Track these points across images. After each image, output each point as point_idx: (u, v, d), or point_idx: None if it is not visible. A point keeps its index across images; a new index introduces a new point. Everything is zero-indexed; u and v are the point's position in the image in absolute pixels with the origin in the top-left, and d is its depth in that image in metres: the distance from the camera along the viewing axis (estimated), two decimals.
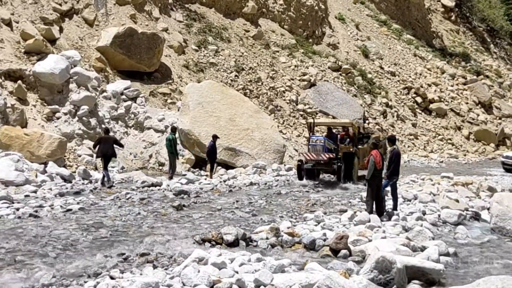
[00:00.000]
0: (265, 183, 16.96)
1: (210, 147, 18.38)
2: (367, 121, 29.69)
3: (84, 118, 19.81)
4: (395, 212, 11.77)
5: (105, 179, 15.47)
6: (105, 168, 15.86)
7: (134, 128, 21.46)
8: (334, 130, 19.97)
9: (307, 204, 13.46)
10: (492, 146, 33.97)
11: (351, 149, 18.23)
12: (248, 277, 6.87)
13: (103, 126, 18.75)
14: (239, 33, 30.44)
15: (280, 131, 24.20)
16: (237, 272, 7.10)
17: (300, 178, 17.75)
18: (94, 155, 17.59)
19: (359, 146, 19.05)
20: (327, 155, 17.27)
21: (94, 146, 16.60)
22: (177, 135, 19.30)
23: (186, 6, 29.71)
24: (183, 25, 28.33)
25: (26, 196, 13.19)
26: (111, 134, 18.19)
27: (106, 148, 15.97)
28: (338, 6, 39.32)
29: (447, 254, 8.80)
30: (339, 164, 17.31)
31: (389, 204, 12.51)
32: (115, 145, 16.48)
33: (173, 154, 17.78)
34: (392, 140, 12.31)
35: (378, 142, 12.44)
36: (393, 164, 11.72)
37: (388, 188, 12.19)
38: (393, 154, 11.77)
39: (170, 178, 17.31)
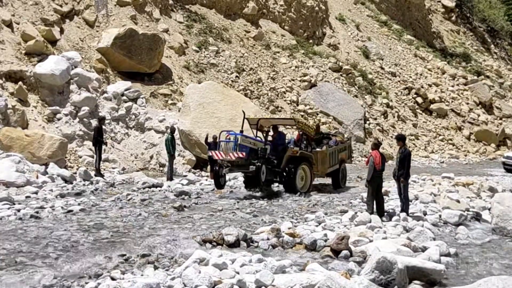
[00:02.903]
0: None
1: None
2: (367, 122, 29.68)
3: (85, 119, 19.84)
4: (398, 212, 11.71)
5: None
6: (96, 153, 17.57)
7: (134, 129, 21.47)
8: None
9: (308, 205, 13.46)
10: (492, 146, 33.95)
11: (297, 153, 15.48)
12: (249, 278, 6.87)
13: (103, 126, 18.79)
14: (239, 34, 30.46)
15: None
16: (238, 273, 7.10)
17: (218, 186, 15.29)
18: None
19: (317, 149, 16.70)
20: (235, 155, 14.42)
21: None
22: (177, 135, 19.28)
23: (187, 7, 29.73)
24: (184, 26, 28.35)
25: (27, 197, 13.20)
26: (103, 126, 18.67)
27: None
28: (339, 6, 39.32)
29: (448, 255, 8.80)
30: (258, 164, 14.43)
31: (389, 204, 12.51)
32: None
33: (169, 154, 17.79)
34: (402, 139, 11.92)
35: (379, 143, 12.30)
36: (406, 164, 11.46)
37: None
38: (405, 155, 11.47)
39: (169, 179, 17.26)
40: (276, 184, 16.08)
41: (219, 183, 15.30)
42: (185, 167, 19.89)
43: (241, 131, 15.41)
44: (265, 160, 14.79)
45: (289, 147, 15.77)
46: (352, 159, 21.00)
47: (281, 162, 15.25)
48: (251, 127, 16.16)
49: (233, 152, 14.49)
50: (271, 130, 16.43)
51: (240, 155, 14.43)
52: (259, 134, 16.21)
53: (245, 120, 15.88)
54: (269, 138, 16.31)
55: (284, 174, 15.33)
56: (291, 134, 20.25)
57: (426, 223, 10.95)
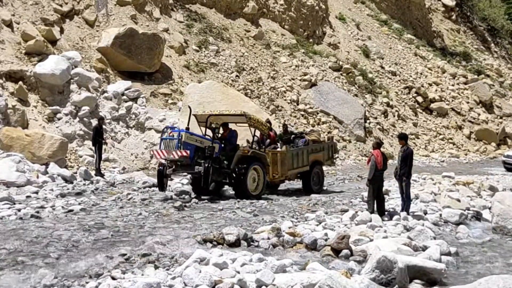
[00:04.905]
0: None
1: None
2: (368, 121, 29.67)
3: (85, 119, 19.84)
4: (398, 211, 11.70)
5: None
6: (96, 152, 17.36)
7: (135, 129, 21.47)
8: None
9: (309, 204, 13.47)
10: (493, 145, 33.96)
11: (248, 152, 14.21)
12: (250, 277, 6.87)
13: (104, 126, 18.80)
14: (239, 33, 30.45)
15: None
16: (238, 272, 7.10)
17: (161, 189, 13.82)
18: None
19: (279, 149, 15.61)
20: (179, 153, 13.28)
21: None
22: None
23: (187, 7, 29.72)
24: (184, 26, 28.34)
25: (27, 197, 13.19)
26: (103, 126, 18.64)
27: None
28: (339, 6, 39.31)
29: (449, 254, 8.80)
30: (206, 165, 13.31)
31: (390, 204, 12.50)
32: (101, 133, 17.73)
33: None
34: (404, 138, 11.88)
35: (381, 142, 12.26)
36: (409, 163, 11.43)
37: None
38: (407, 153, 11.41)
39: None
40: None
41: (162, 185, 13.82)
42: None
43: (187, 128, 14.18)
44: (213, 160, 13.59)
45: (239, 146, 14.65)
46: (335, 160, 19.27)
47: (231, 162, 14.07)
48: (199, 124, 14.92)
49: (176, 151, 13.34)
50: (221, 127, 15.02)
51: (184, 154, 13.28)
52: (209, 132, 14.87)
53: (194, 117, 14.81)
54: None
55: (234, 175, 14.12)
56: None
57: (427, 222, 10.95)
